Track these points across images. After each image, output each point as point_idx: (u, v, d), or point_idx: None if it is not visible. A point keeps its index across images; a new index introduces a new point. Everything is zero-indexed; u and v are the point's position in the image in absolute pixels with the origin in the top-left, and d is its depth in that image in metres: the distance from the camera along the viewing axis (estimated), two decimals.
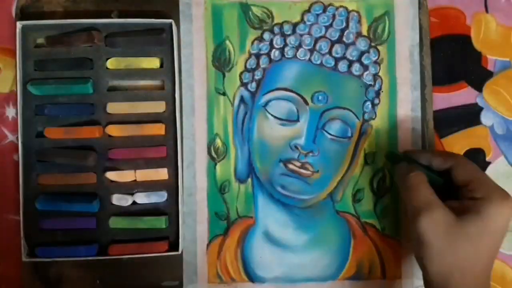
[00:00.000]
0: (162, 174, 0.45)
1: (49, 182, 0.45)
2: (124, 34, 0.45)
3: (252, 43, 0.47)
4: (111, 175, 0.45)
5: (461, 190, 0.40)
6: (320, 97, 0.46)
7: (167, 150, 0.45)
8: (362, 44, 0.47)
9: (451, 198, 0.40)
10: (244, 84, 0.47)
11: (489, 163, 0.48)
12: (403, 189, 0.41)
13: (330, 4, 0.47)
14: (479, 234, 0.37)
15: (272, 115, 0.46)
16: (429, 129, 0.47)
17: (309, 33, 0.46)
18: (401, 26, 0.47)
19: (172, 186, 0.45)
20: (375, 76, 0.47)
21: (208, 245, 0.46)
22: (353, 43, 0.47)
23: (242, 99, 0.47)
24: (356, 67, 0.46)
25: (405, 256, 0.47)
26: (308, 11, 0.47)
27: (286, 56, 0.46)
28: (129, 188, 0.45)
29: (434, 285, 0.38)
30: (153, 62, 0.45)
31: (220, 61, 0.47)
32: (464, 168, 0.40)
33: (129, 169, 0.45)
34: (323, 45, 0.46)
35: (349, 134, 0.47)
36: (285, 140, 0.46)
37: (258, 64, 0.47)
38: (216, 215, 0.46)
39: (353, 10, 0.47)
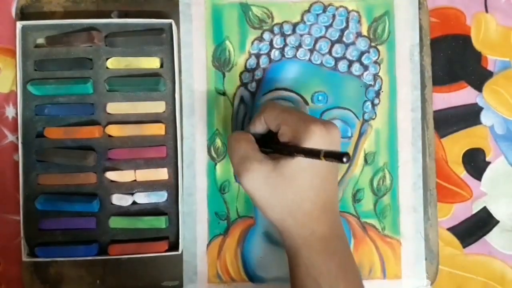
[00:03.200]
0: (162, 174, 0.45)
1: (49, 182, 0.45)
2: (124, 34, 0.45)
3: (252, 43, 0.47)
4: (111, 175, 0.45)
5: (276, 137, 0.39)
6: (320, 97, 0.46)
7: (167, 150, 0.45)
8: (362, 44, 0.47)
9: (273, 144, 0.40)
10: (244, 84, 0.47)
11: (489, 163, 0.48)
12: (228, 152, 0.40)
13: (330, 4, 0.47)
14: (294, 174, 0.36)
15: None
16: (429, 129, 0.47)
17: (309, 33, 0.46)
18: (401, 26, 0.47)
19: (172, 186, 0.45)
20: (375, 76, 0.47)
21: (208, 245, 0.46)
22: (353, 43, 0.47)
23: (242, 99, 0.47)
24: (356, 67, 0.46)
25: (405, 256, 0.47)
26: (308, 11, 0.47)
27: (286, 56, 0.46)
28: (129, 188, 0.45)
29: (279, 233, 0.39)
30: (153, 62, 0.45)
31: (220, 61, 0.47)
32: (270, 114, 0.39)
33: (129, 169, 0.45)
34: (323, 45, 0.46)
35: (349, 134, 0.47)
36: None
37: (258, 64, 0.47)
38: (216, 215, 0.46)
39: (353, 10, 0.47)
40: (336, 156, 0.33)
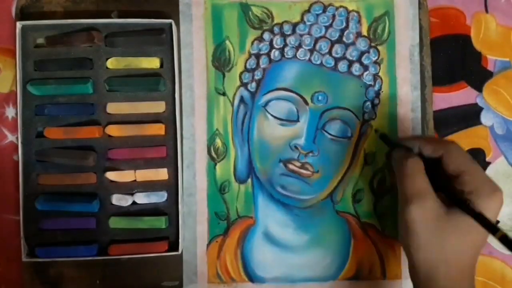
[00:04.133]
0: (162, 174, 0.45)
1: (49, 182, 0.45)
2: (124, 34, 0.45)
3: (252, 43, 0.47)
4: (111, 175, 0.45)
5: (452, 180, 0.39)
6: (320, 97, 0.46)
7: (167, 150, 0.45)
8: (362, 44, 0.47)
9: (445, 183, 0.39)
10: (244, 84, 0.47)
11: (489, 163, 0.48)
12: (399, 175, 0.40)
13: (330, 4, 0.47)
14: (466, 229, 0.37)
15: (272, 115, 0.46)
16: (429, 129, 0.47)
17: (309, 33, 0.46)
18: (401, 26, 0.47)
19: (172, 186, 0.45)
20: (375, 76, 0.47)
21: (208, 245, 0.46)
22: (353, 43, 0.47)
23: (242, 99, 0.47)
24: (356, 67, 0.46)
25: (405, 256, 0.46)
26: (308, 11, 0.47)
27: (286, 56, 0.46)
28: (129, 188, 0.45)
29: (419, 275, 0.38)
30: (153, 62, 0.45)
31: (220, 61, 0.47)
32: (455, 158, 0.39)
33: (129, 169, 0.45)
34: (323, 45, 0.46)
35: (349, 134, 0.47)
36: (285, 140, 0.46)
37: (258, 64, 0.47)
38: (216, 215, 0.46)
39: (353, 10, 0.47)
40: (508, 245, 0.34)
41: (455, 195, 0.38)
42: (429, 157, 0.40)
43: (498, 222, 0.47)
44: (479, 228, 0.36)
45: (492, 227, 0.36)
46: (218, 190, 0.46)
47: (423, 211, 0.37)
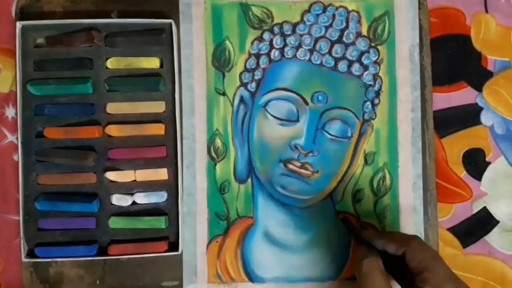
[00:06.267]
0: (162, 174, 0.45)
1: (49, 182, 0.45)
2: (124, 34, 0.45)
3: (252, 43, 0.47)
4: (111, 175, 0.45)
5: (414, 276, 0.38)
6: (320, 97, 0.46)
7: (167, 150, 0.45)
8: (362, 44, 0.47)
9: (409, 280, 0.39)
10: (244, 84, 0.47)
11: (489, 163, 0.48)
12: (358, 274, 0.40)
13: (330, 4, 0.47)
14: None
15: (272, 115, 0.46)
16: (429, 129, 0.47)
17: (309, 33, 0.46)
18: (401, 26, 0.47)
19: (172, 186, 0.45)
20: (375, 76, 0.47)
21: (208, 245, 0.46)
22: (353, 43, 0.47)
23: (242, 99, 0.47)
24: (356, 67, 0.46)
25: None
26: (308, 11, 0.47)
27: (286, 56, 0.46)
28: (129, 188, 0.45)
29: None
30: (153, 62, 0.45)
31: (220, 61, 0.47)
32: (416, 255, 0.38)
33: (129, 169, 0.45)
34: (323, 45, 0.46)
35: (349, 134, 0.47)
36: (285, 140, 0.46)
37: (258, 64, 0.47)
38: (216, 215, 0.46)
39: (353, 10, 0.47)
40: None
41: None
42: (393, 255, 0.40)
43: None
44: None
45: None
46: (218, 190, 0.46)
47: None
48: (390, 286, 0.38)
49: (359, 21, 0.47)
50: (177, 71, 0.45)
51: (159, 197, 0.45)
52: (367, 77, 0.47)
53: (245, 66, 0.47)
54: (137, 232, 0.45)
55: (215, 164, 0.46)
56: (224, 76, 0.47)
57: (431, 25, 0.48)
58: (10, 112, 0.47)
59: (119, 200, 0.45)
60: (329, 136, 0.46)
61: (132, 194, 0.45)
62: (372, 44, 0.47)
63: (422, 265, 0.38)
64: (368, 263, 0.39)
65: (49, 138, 0.45)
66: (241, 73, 0.47)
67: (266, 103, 0.46)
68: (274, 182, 0.46)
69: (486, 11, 0.48)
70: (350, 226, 0.45)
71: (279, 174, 0.46)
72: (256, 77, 0.47)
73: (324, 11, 0.47)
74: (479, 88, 0.48)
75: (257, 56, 0.47)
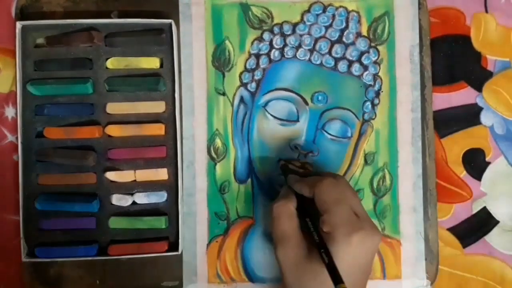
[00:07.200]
0: (161, 174, 0.45)
1: (49, 182, 0.45)
2: (124, 34, 0.45)
3: (252, 43, 0.47)
4: (111, 175, 0.45)
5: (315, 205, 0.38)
6: (320, 97, 0.46)
7: (166, 150, 0.45)
8: (362, 44, 0.47)
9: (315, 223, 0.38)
10: (244, 84, 0.47)
11: (489, 163, 0.48)
12: (270, 215, 0.40)
13: (330, 4, 0.47)
14: (323, 271, 0.35)
15: (272, 115, 0.46)
16: (429, 129, 0.47)
17: (309, 33, 0.46)
18: (401, 26, 0.47)
19: (171, 186, 0.45)
20: (375, 76, 0.47)
21: (208, 245, 0.46)
22: (353, 43, 0.47)
23: (242, 99, 0.47)
24: (356, 67, 0.46)
25: (405, 256, 0.46)
26: (308, 11, 0.47)
27: (286, 56, 0.46)
28: (129, 188, 0.45)
29: None
30: (153, 62, 0.45)
31: (220, 61, 0.47)
32: (321, 196, 0.38)
33: (128, 169, 0.45)
34: (323, 45, 0.46)
35: (349, 134, 0.47)
36: (285, 140, 0.46)
37: (258, 64, 0.47)
38: (216, 215, 0.46)
39: (353, 10, 0.47)
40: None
41: (314, 237, 0.37)
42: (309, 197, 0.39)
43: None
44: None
45: (334, 277, 0.34)
46: (218, 190, 0.46)
47: (285, 255, 0.38)
48: (295, 229, 0.38)
49: (359, 21, 0.47)
50: (177, 71, 0.45)
51: (159, 197, 0.45)
52: (367, 77, 0.47)
53: (245, 66, 0.47)
54: (137, 232, 0.45)
55: (215, 164, 0.46)
56: (224, 76, 0.47)
57: (431, 25, 0.48)
58: (10, 112, 0.47)
59: (119, 200, 0.45)
60: (329, 136, 0.46)
61: (132, 194, 0.45)
62: (372, 44, 0.47)
63: (325, 206, 0.37)
64: (277, 207, 0.40)
65: (49, 138, 0.45)
66: (241, 73, 0.47)
67: (266, 103, 0.46)
68: (274, 182, 0.46)
69: (486, 11, 0.48)
70: (286, 172, 0.44)
71: (279, 174, 0.46)
72: (256, 77, 0.47)
73: (324, 11, 0.47)
74: (479, 88, 0.48)
75: (257, 56, 0.47)
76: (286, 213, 0.39)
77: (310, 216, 0.39)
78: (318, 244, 0.36)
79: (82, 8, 0.46)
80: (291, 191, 0.41)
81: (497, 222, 0.48)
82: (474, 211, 0.48)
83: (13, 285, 0.46)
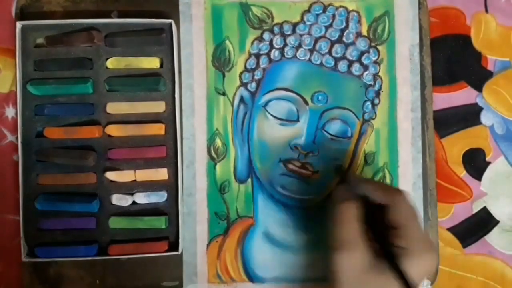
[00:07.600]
0: (162, 174, 0.45)
1: (49, 182, 0.45)
2: (124, 34, 0.45)
3: (252, 43, 0.47)
4: (111, 175, 0.45)
5: (389, 231, 0.37)
6: (320, 97, 0.46)
7: (167, 150, 0.45)
8: (362, 44, 0.47)
9: (382, 233, 0.38)
10: (244, 84, 0.47)
11: (489, 163, 0.48)
12: (333, 217, 0.38)
13: (330, 4, 0.47)
14: (390, 284, 0.34)
15: (272, 115, 0.46)
16: (429, 129, 0.47)
17: (309, 33, 0.46)
18: (401, 26, 0.47)
19: (172, 186, 0.45)
20: (375, 76, 0.47)
21: (208, 245, 0.46)
22: (353, 43, 0.47)
23: (242, 99, 0.47)
24: (356, 67, 0.46)
25: None
26: (308, 11, 0.47)
27: (286, 56, 0.46)
28: (129, 188, 0.45)
29: None
30: (153, 62, 0.45)
31: (220, 61, 0.47)
32: (398, 210, 0.37)
33: (128, 169, 0.45)
34: (323, 45, 0.46)
35: (349, 134, 0.47)
36: (285, 140, 0.46)
37: (258, 64, 0.47)
38: (216, 215, 0.46)
39: (353, 10, 0.47)
40: None
41: (386, 247, 0.36)
42: (374, 203, 0.38)
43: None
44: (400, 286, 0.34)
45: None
46: (218, 190, 0.46)
47: (348, 262, 0.35)
48: (362, 235, 0.36)
49: (359, 21, 0.47)
50: (177, 71, 0.45)
51: (159, 197, 0.45)
52: (367, 77, 0.47)
53: (245, 66, 0.47)
54: (137, 232, 0.45)
55: (215, 164, 0.46)
56: (224, 76, 0.47)
57: (431, 25, 0.48)
58: (10, 112, 0.47)
59: (119, 200, 0.45)
60: (329, 136, 0.46)
61: (132, 194, 0.45)
62: (372, 44, 0.47)
63: (401, 221, 0.36)
64: (346, 206, 0.37)
65: (49, 138, 0.45)
66: (241, 73, 0.47)
67: (266, 103, 0.46)
68: (274, 182, 0.46)
69: (486, 11, 0.48)
70: (341, 173, 0.44)
71: (279, 174, 0.46)
72: (256, 77, 0.47)
73: (324, 11, 0.47)
74: (479, 88, 0.48)
75: (257, 56, 0.47)
76: (354, 215, 0.37)
77: (376, 224, 0.37)
78: (387, 253, 0.35)
79: (82, 8, 0.46)
80: (350, 194, 0.39)
81: (497, 222, 0.48)
82: (474, 211, 0.48)
83: (13, 285, 0.46)
